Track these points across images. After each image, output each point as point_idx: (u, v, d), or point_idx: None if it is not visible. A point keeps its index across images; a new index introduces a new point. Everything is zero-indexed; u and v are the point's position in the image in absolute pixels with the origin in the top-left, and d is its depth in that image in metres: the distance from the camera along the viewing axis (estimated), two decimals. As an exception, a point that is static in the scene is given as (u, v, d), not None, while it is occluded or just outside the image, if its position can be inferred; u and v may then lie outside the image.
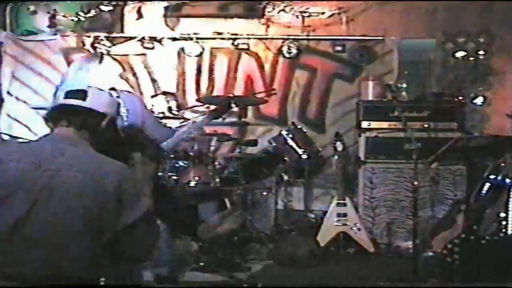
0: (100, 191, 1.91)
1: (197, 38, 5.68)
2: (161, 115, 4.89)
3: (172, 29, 5.75)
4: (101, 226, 1.91)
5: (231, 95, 5.20)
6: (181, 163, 4.63)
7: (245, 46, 5.68)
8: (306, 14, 5.63)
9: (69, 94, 2.13)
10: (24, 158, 1.94)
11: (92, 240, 1.90)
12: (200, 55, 5.73)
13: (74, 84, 2.29)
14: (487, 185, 4.82)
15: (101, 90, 2.32)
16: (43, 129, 2.25)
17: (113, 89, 3.55)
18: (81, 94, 2.12)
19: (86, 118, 2.09)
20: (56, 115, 2.12)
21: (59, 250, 1.87)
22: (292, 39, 5.65)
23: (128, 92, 4.14)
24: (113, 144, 2.19)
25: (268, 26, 5.71)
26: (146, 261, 2.31)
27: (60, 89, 2.18)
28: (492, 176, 4.78)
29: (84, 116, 2.09)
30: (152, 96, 5.31)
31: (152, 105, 4.99)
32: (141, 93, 5.74)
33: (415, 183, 4.12)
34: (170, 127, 4.47)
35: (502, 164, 4.78)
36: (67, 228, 1.87)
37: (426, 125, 5.04)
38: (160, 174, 4.44)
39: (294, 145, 4.96)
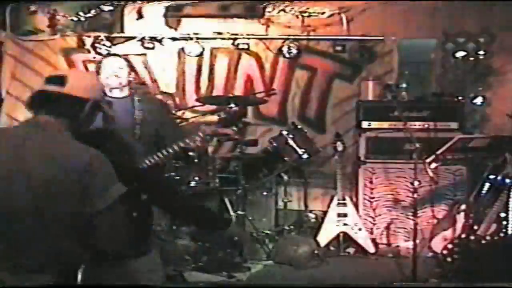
0: (64, 178, 1.85)
1: (197, 38, 5.67)
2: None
3: (173, 29, 5.75)
4: (69, 215, 1.85)
5: (231, 95, 5.21)
6: (181, 163, 4.63)
7: (245, 46, 5.68)
8: (306, 14, 5.62)
9: (48, 80, 2.04)
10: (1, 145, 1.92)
11: (63, 230, 1.86)
12: (200, 55, 5.73)
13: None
14: (487, 185, 4.84)
15: (85, 72, 2.21)
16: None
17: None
18: (60, 79, 2.01)
19: (64, 106, 1.99)
20: (35, 102, 2.03)
21: (28, 241, 1.84)
22: (292, 39, 5.64)
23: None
24: (96, 131, 2.13)
25: (268, 26, 5.71)
26: (122, 253, 2.13)
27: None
28: (492, 176, 4.79)
29: (62, 103, 1.99)
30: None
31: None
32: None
33: (415, 183, 4.13)
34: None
35: (502, 164, 4.79)
36: (35, 218, 1.84)
37: (426, 125, 5.05)
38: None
39: (294, 145, 4.96)
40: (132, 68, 4.77)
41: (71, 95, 2.00)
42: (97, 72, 3.90)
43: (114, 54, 4.42)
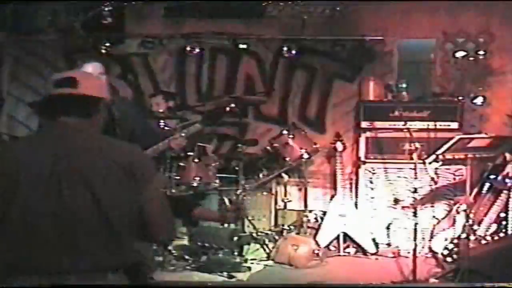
0: (114, 173, 1.89)
1: (197, 38, 5.67)
2: (161, 115, 4.88)
3: (173, 29, 5.75)
4: (121, 208, 1.89)
5: (231, 95, 5.21)
6: (181, 163, 4.63)
7: (245, 46, 5.68)
8: (306, 14, 5.62)
9: (58, 83, 2.01)
10: (39, 150, 1.91)
11: (118, 223, 1.89)
12: (200, 55, 5.73)
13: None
14: (487, 185, 4.84)
15: (89, 73, 2.20)
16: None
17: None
18: (71, 81, 2.00)
19: (82, 106, 2.00)
20: (49, 106, 2.01)
21: (87, 239, 1.85)
22: (292, 39, 5.64)
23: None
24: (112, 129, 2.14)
25: (268, 26, 5.71)
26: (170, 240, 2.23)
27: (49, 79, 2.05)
28: (492, 176, 4.79)
29: (80, 104, 1.99)
30: (151, 96, 5.31)
31: (151, 105, 4.99)
32: (141, 93, 5.75)
33: (415, 183, 4.13)
34: (159, 132, 4.40)
35: (502, 164, 4.79)
36: (92, 215, 1.86)
37: (426, 125, 5.05)
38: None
39: (294, 145, 4.96)
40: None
41: (86, 95, 2.01)
42: None
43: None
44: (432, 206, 5.00)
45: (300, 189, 5.38)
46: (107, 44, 5.56)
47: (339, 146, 5.11)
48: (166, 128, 4.49)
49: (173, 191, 4.39)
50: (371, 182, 5.18)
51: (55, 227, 1.83)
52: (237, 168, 4.78)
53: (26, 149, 1.93)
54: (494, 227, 4.66)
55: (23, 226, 1.83)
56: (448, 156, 4.48)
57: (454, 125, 5.12)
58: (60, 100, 2.00)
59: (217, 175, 4.76)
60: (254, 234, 4.82)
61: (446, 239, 4.65)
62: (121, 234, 1.89)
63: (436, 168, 4.79)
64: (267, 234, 4.96)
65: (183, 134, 3.82)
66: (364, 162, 5.20)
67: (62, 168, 1.87)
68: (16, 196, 1.84)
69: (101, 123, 2.08)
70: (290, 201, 5.22)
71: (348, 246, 4.98)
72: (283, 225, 5.12)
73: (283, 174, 5.11)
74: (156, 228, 1.99)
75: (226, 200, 4.81)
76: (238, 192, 4.65)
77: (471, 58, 5.51)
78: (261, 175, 5.12)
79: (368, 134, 5.22)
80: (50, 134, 2.00)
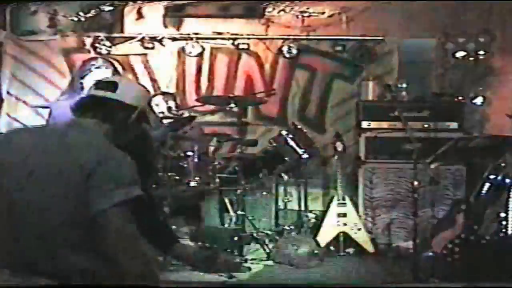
0: (73, 174, 1.81)
1: (197, 38, 5.67)
2: (161, 115, 4.88)
3: (173, 29, 5.75)
4: (72, 213, 1.81)
5: (231, 95, 5.21)
6: (181, 163, 4.63)
7: (245, 46, 5.68)
8: (306, 14, 5.62)
9: (99, 85, 2.05)
10: (33, 141, 1.92)
11: (65, 229, 1.82)
12: (200, 55, 5.73)
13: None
14: (487, 185, 4.83)
15: (133, 82, 2.20)
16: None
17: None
18: (112, 85, 2.03)
19: (113, 111, 2.01)
20: (84, 106, 2.03)
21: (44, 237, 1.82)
22: (292, 39, 5.64)
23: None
24: (140, 140, 2.10)
25: (268, 26, 5.71)
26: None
27: (85, 79, 2.04)
28: (492, 176, 4.78)
29: (112, 108, 2.01)
30: (151, 96, 5.31)
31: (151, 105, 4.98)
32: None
33: (415, 183, 4.13)
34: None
35: (502, 164, 4.79)
36: (47, 214, 1.82)
37: (426, 125, 5.05)
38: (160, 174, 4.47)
39: (294, 145, 4.96)
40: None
41: (121, 101, 2.02)
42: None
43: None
44: (432, 206, 5.00)
45: (300, 189, 5.37)
46: (107, 44, 5.56)
47: (339, 146, 5.11)
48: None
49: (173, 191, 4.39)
50: (371, 182, 5.18)
51: (8, 221, 1.84)
52: (237, 168, 4.78)
53: (25, 139, 1.94)
54: (494, 227, 4.65)
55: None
56: (448, 156, 4.49)
57: (454, 125, 5.12)
58: (95, 102, 2.02)
59: (217, 175, 4.76)
60: (254, 234, 4.81)
61: (446, 239, 4.64)
62: (57, 242, 1.82)
63: (436, 168, 4.78)
64: (267, 234, 4.96)
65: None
66: (364, 162, 5.20)
67: (36, 162, 1.86)
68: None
69: (133, 131, 2.06)
70: (290, 201, 5.21)
71: (348, 246, 4.98)
72: (283, 225, 5.12)
73: (283, 174, 5.10)
74: (117, 251, 1.81)
75: (227, 201, 4.80)
76: (238, 192, 4.65)
77: (471, 58, 5.51)
78: (261, 175, 5.12)
79: (368, 134, 5.22)
80: (55, 130, 2.01)
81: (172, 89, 5.74)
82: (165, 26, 5.74)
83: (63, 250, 1.82)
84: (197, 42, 5.67)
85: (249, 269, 4.38)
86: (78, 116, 2.02)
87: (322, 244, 4.89)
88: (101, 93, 2.03)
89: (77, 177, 1.81)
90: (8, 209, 1.85)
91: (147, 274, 1.84)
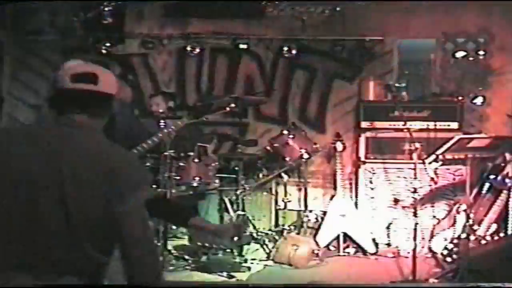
0: (92, 177, 1.81)
1: (197, 38, 5.67)
2: (161, 115, 4.88)
3: (173, 29, 5.75)
4: (90, 215, 1.81)
5: (231, 95, 5.21)
6: (181, 163, 4.62)
7: (245, 46, 5.68)
8: (306, 14, 5.62)
9: (77, 78, 1.93)
10: (33, 144, 1.87)
11: (82, 231, 1.82)
12: (200, 55, 5.73)
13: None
14: (487, 185, 4.84)
15: (106, 69, 2.14)
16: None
17: None
18: (92, 77, 1.93)
19: (100, 104, 1.95)
20: (63, 101, 1.94)
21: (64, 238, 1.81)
22: (292, 39, 5.64)
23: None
24: (128, 129, 2.08)
25: (268, 26, 5.71)
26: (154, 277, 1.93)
27: (60, 72, 1.94)
28: (492, 176, 4.79)
29: (98, 101, 1.94)
30: (151, 96, 5.31)
31: (151, 105, 4.99)
32: (141, 93, 5.75)
33: (415, 183, 4.13)
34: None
35: (502, 164, 4.79)
36: (56, 216, 1.80)
37: (426, 125, 5.05)
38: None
39: (294, 145, 4.96)
40: None
41: (104, 92, 1.95)
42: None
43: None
44: (432, 206, 5.00)
45: (300, 189, 5.37)
46: (107, 44, 5.56)
47: (339, 146, 5.11)
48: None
49: (173, 191, 4.38)
50: (371, 182, 5.18)
51: (21, 222, 1.81)
52: (237, 168, 4.78)
53: (20, 142, 1.88)
54: (494, 227, 4.66)
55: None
56: (448, 156, 4.49)
57: (454, 125, 5.12)
58: (76, 96, 1.93)
59: (217, 175, 4.76)
60: (254, 234, 4.81)
61: (446, 239, 4.64)
62: (83, 241, 1.82)
63: (436, 168, 4.79)
64: (267, 234, 4.96)
65: (171, 129, 3.97)
66: (364, 162, 5.20)
67: (43, 165, 1.83)
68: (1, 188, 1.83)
69: (118, 123, 2.05)
70: (290, 201, 5.21)
71: (348, 246, 4.98)
72: (283, 225, 5.12)
73: (283, 174, 5.11)
74: (134, 249, 1.84)
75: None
76: (238, 192, 4.65)
77: (471, 58, 5.51)
78: (261, 175, 5.12)
79: (368, 134, 5.22)
80: (50, 129, 1.94)
81: (172, 89, 5.74)
82: (165, 26, 5.74)
83: (92, 251, 1.84)
84: (197, 42, 5.67)
85: (249, 269, 4.38)
86: (61, 112, 1.93)
87: (322, 244, 4.89)
88: (81, 86, 1.92)
89: (99, 180, 1.82)
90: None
91: (161, 273, 1.90)
